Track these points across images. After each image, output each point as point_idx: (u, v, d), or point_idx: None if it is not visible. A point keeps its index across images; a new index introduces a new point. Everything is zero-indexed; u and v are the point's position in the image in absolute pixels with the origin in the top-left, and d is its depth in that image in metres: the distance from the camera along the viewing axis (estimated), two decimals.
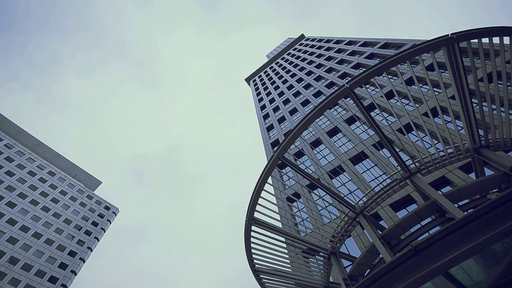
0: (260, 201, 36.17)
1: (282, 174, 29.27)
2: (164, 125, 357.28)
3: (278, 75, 69.75)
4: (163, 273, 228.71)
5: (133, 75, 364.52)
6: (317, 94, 42.07)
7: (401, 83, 26.58)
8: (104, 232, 73.29)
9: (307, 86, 47.89)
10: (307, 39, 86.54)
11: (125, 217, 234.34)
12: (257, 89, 74.14)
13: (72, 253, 61.45)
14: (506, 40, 9.13)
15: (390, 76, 32.92)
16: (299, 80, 54.17)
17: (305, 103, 42.61)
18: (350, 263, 16.60)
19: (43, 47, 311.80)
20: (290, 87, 53.88)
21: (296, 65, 66.83)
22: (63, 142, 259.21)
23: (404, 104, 17.75)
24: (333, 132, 30.48)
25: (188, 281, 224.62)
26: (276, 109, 49.42)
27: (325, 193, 21.83)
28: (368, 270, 12.63)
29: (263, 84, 73.61)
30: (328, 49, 60.03)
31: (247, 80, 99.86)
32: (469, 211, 11.02)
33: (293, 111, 42.83)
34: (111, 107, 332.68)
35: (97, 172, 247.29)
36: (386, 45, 40.48)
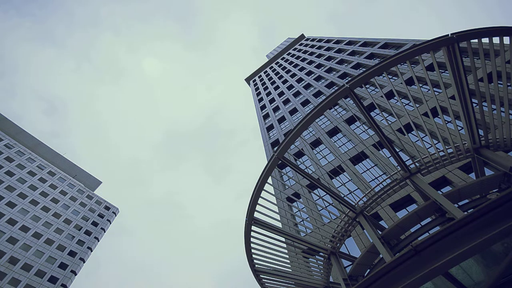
0: (260, 201, 36.19)
1: (282, 174, 29.30)
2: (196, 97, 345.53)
3: (278, 75, 69.74)
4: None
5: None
6: (317, 94, 42.07)
7: (401, 83, 26.58)
8: (104, 232, 73.31)
9: (307, 86, 47.89)
10: (307, 39, 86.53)
11: (130, 211, 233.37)
12: (257, 89, 74.12)
13: (72, 253, 61.47)
14: (506, 40, 9.14)
15: (390, 76, 32.91)
16: (299, 80, 54.16)
17: (305, 103, 42.61)
18: (350, 263, 16.60)
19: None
20: (290, 87, 53.87)
21: (296, 65, 66.82)
22: (64, 135, 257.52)
23: (404, 104, 17.75)
24: (333, 132, 30.48)
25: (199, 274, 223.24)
26: (276, 109, 49.41)
27: (325, 193, 21.84)
28: (368, 270, 12.64)
29: (263, 84, 73.58)
30: (328, 49, 60.03)
31: (247, 80, 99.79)
32: (469, 211, 11.02)
33: (293, 111, 42.83)
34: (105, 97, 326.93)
35: (97, 172, 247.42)
36: (386, 45, 40.48)
